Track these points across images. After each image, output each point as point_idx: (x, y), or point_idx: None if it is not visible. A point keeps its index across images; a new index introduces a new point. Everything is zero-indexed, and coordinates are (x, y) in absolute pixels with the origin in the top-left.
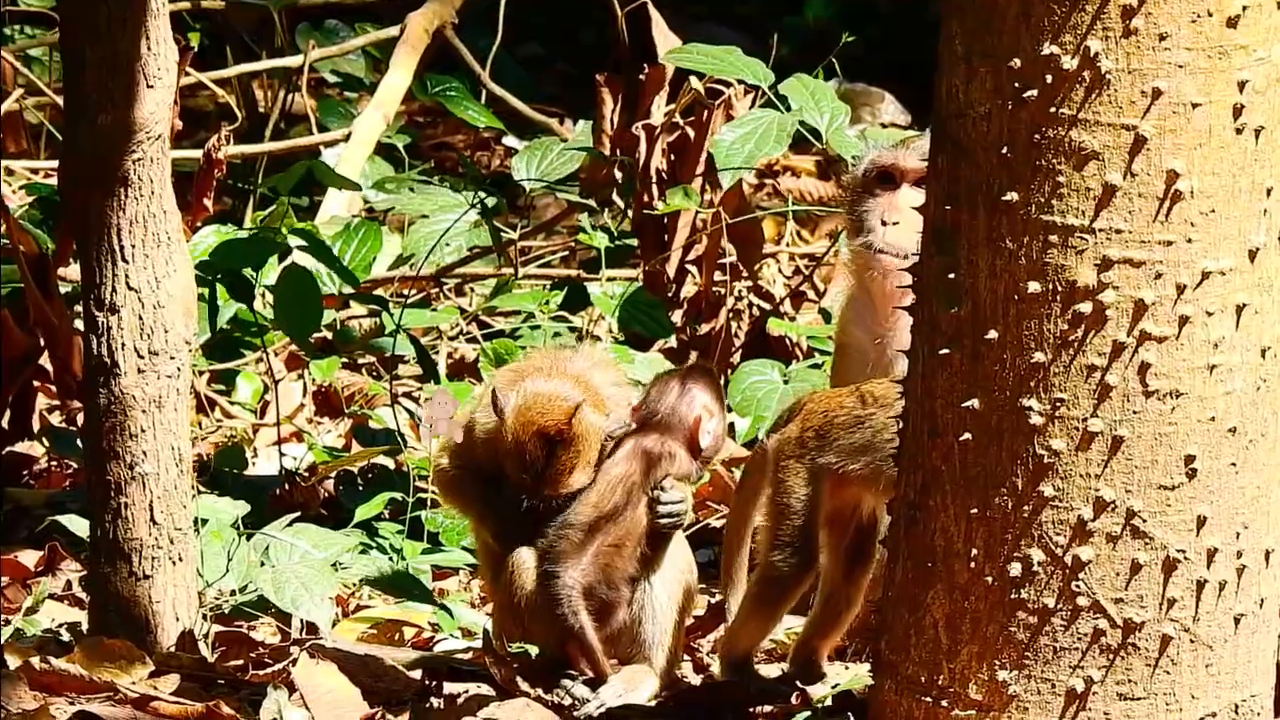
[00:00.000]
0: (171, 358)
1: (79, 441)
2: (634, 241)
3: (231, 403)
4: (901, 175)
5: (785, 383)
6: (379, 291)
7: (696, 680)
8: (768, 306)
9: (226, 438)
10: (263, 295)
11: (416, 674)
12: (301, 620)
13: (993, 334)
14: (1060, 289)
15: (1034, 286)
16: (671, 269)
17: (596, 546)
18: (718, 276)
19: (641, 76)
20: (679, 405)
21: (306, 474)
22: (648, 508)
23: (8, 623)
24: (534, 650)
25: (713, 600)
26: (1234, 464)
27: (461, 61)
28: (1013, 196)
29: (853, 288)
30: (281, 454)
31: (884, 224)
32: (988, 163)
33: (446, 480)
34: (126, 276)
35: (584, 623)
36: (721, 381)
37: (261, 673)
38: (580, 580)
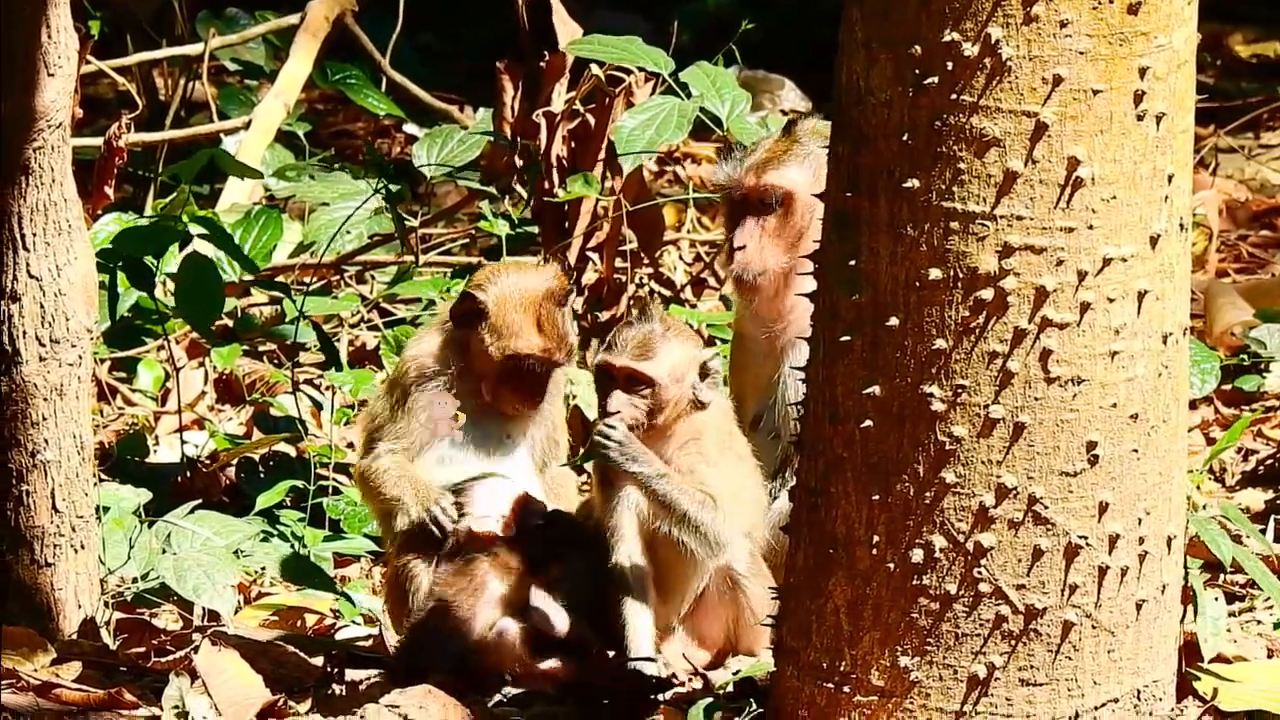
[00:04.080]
0: (73, 345)
1: None
2: (535, 229)
3: (133, 390)
4: (742, 196)
5: None
6: (280, 279)
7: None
8: (669, 293)
9: (128, 425)
10: (164, 283)
11: (318, 661)
12: (203, 608)
13: (894, 321)
14: (961, 276)
15: (935, 273)
16: (573, 256)
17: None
18: (619, 263)
19: (542, 64)
20: None
21: (208, 461)
22: None
23: None
24: None
25: None
26: (1136, 450)
27: (362, 49)
28: (914, 183)
29: None
30: (183, 441)
31: (733, 249)
32: (888, 150)
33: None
34: (28, 264)
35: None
36: None
37: (164, 660)
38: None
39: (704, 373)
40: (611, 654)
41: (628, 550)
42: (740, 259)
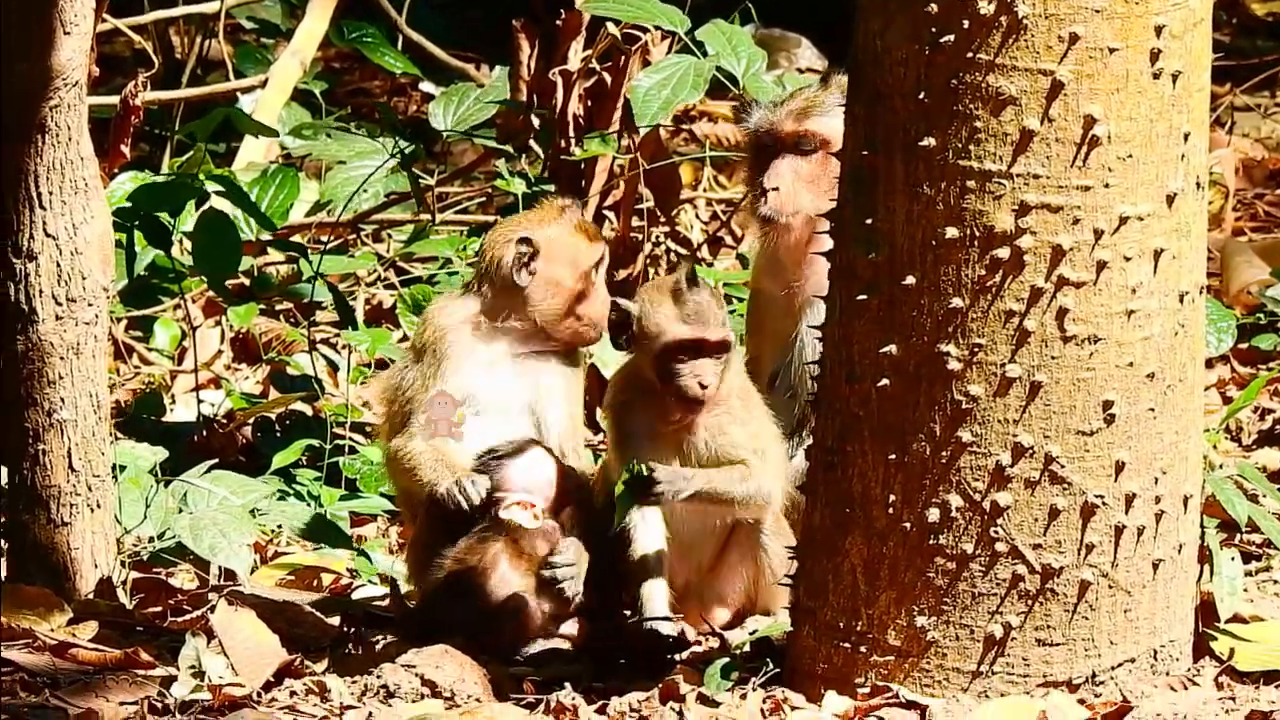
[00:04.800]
0: (89, 304)
1: None
2: (551, 187)
3: (149, 349)
4: (779, 142)
5: None
6: (296, 238)
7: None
8: (685, 252)
9: (144, 384)
10: (180, 241)
11: (334, 620)
12: (220, 567)
13: (910, 279)
14: (978, 234)
15: (951, 232)
16: (589, 215)
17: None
18: (635, 222)
19: (558, 22)
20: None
21: (224, 420)
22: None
23: None
24: None
25: None
26: (1152, 409)
27: (378, 7)
28: (930, 142)
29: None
30: (199, 400)
31: (764, 191)
32: (905, 108)
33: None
34: (44, 223)
35: None
36: None
37: (180, 619)
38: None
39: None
40: (628, 614)
41: (642, 511)
42: (774, 199)
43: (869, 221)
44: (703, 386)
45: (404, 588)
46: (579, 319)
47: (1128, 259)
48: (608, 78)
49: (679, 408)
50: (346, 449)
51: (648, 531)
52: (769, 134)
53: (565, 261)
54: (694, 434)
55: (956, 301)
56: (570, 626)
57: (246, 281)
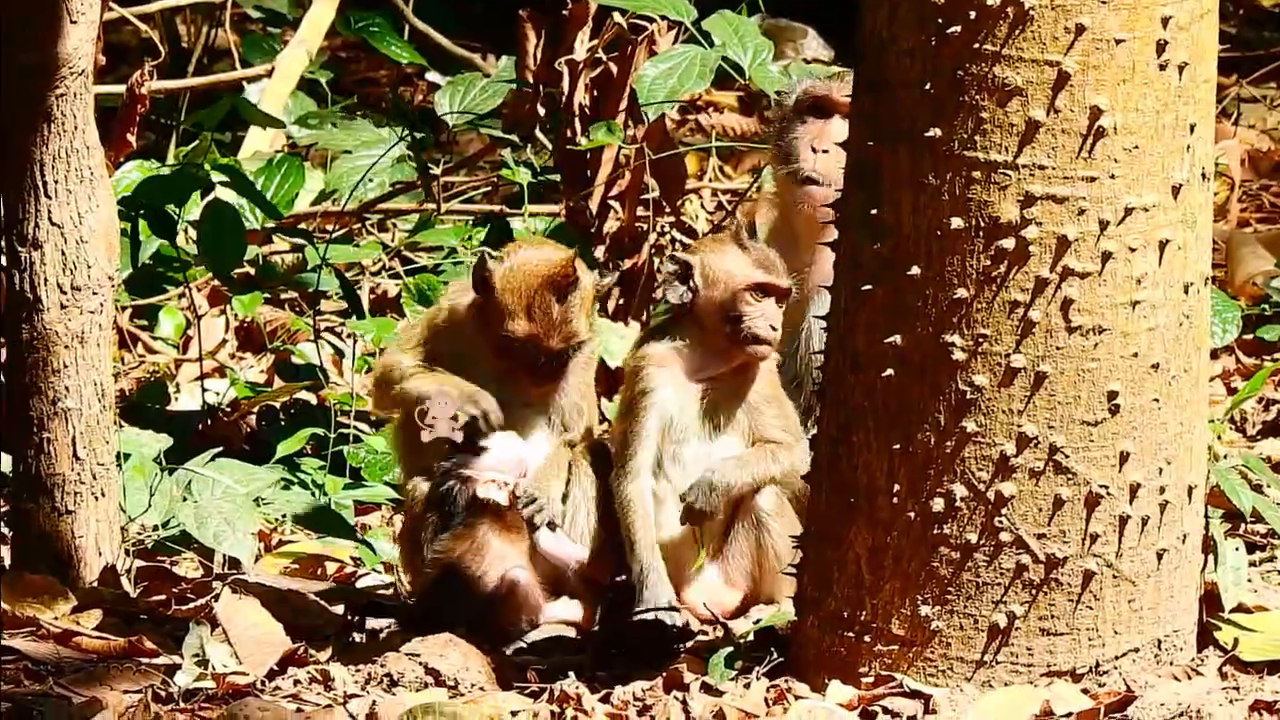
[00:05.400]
0: (94, 293)
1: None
2: (557, 177)
3: (154, 338)
4: (834, 107)
5: None
6: (302, 227)
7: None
8: (690, 242)
9: (149, 373)
10: (185, 231)
11: (339, 609)
12: (224, 555)
13: (915, 270)
14: (983, 225)
15: (957, 222)
16: (594, 205)
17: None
18: (640, 212)
19: (565, 12)
20: None
21: (229, 409)
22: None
23: None
24: None
25: None
26: (1157, 400)
27: None
28: (936, 132)
29: (775, 221)
30: (204, 389)
31: (814, 151)
32: (911, 99)
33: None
34: (49, 212)
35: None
36: (645, 317)
37: (184, 608)
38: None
39: None
40: (632, 605)
41: (647, 496)
42: (824, 162)
43: (874, 212)
44: (772, 329)
45: (403, 579)
46: (512, 371)
47: (1133, 250)
48: (614, 67)
49: (748, 350)
50: (351, 438)
51: (651, 517)
52: (824, 99)
53: (502, 317)
54: (732, 408)
55: (961, 292)
56: (574, 610)
57: (251, 270)
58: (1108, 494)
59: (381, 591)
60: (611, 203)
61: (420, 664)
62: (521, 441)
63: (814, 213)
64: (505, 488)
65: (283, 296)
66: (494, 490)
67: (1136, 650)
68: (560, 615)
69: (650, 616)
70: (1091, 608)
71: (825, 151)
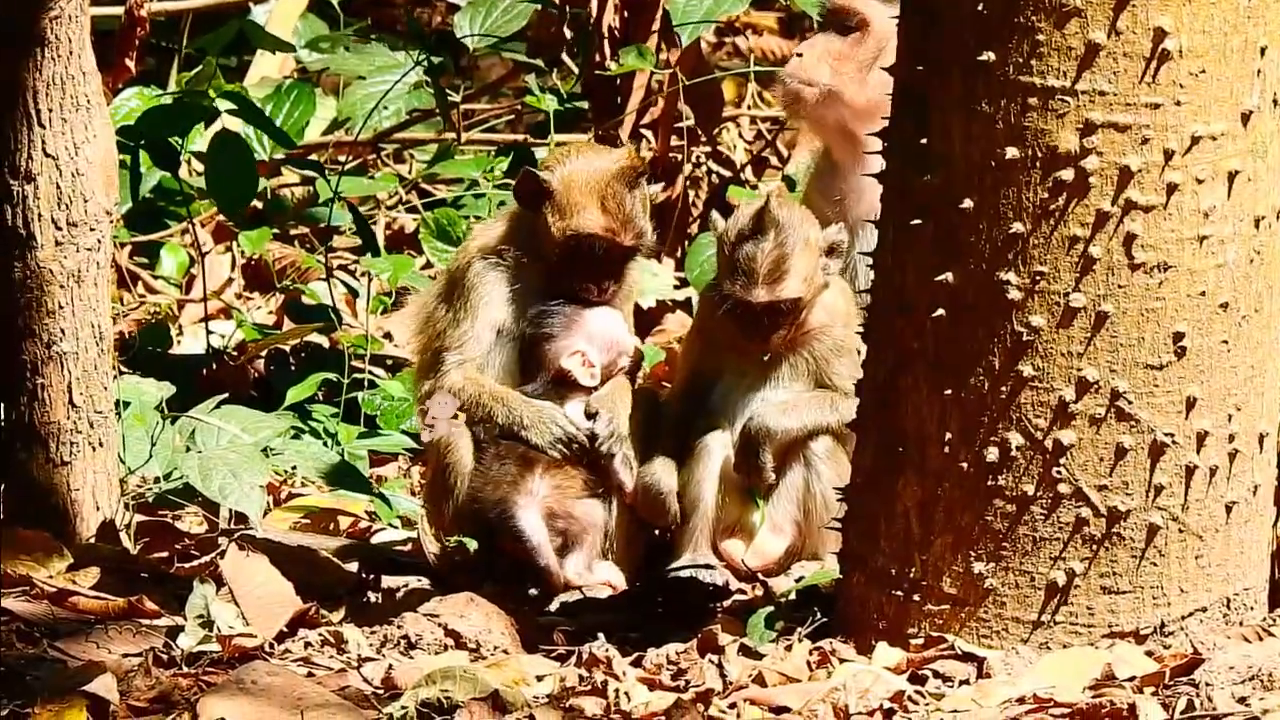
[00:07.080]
0: (91, 229)
1: None
2: (585, 104)
3: (155, 277)
4: (825, 15)
5: None
6: (313, 158)
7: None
8: (728, 173)
9: (150, 314)
10: (188, 162)
11: (353, 566)
12: (230, 509)
13: (967, 203)
14: (1040, 155)
15: (1012, 152)
16: (625, 134)
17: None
18: (674, 142)
19: None
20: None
21: (235, 353)
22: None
23: None
24: (471, 544)
25: None
26: (1226, 341)
27: None
28: (989, 57)
29: (816, 153)
30: (209, 332)
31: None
32: (962, 21)
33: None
34: (43, 142)
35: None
36: (679, 253)
37: (187, 565)
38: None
39: (832, 250)
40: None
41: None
42: (792, 64)
43: (923, 142)
44: None
45: (426, 534)
46: (574, 280)
47: (1200, 181)
48: None
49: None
50: (366, 384)
51: (695, 468)
52: (842, 9)
53: (569, 215)
54: (795, 356)
55: (1017, 226)
56: (613, 572)
57: (259, 205)
58: (1173, 442)
59: (398, 548)
60: (643, 132)
61: (439, 625)
62: (625, 325)
63: (835, 129)
64: (590, 367)
65: (292, 232)
66: (577, 364)
67: (1204, 610)
68: (603, 578)
69: (686, 574)
70: (1156, 564)
71: (798, 55)
